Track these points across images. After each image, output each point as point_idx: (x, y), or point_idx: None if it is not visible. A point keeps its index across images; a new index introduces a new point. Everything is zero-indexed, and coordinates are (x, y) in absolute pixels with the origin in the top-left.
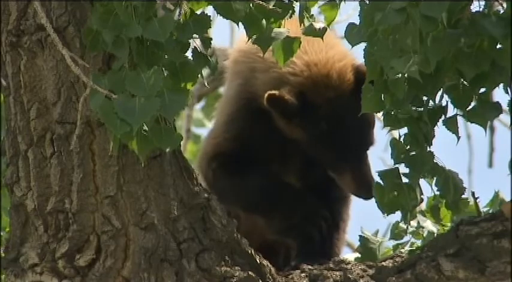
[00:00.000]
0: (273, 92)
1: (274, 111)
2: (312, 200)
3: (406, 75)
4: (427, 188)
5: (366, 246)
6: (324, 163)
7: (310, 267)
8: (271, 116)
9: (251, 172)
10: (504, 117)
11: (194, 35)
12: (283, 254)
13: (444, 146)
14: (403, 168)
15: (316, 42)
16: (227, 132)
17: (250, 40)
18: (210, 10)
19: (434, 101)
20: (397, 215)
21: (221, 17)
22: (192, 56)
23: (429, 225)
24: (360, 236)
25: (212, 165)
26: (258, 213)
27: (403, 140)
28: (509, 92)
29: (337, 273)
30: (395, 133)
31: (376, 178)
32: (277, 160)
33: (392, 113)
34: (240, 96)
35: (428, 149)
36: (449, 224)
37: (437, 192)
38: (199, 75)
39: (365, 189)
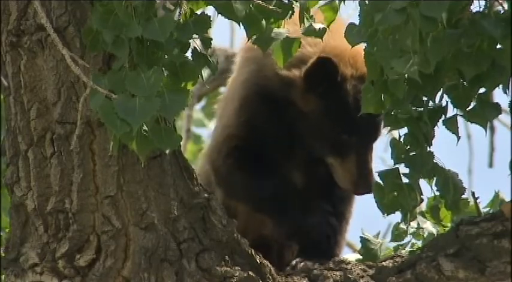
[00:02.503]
0: (326, 55)
1: (309, 77)
2: (322, 208)
3: (406, 75)
4: (427, 188)
5: (367, 248)
6: (326, 144)
7: (310, 267)
8: (284, 98)
9: (266, 173)
10: (504, 117)
11: (194, 35)
12: (277, 250)
13: (444, 146)
14: (403, 169)
15: (335, 31)
16: (240, 117)
17: (250, 40)
18: (210, 10)
19: (434, 101)
20: (397, 216)
21: (221, 17)
22: (192, 56)
23: (429, 225)
24: (361, 237)
25: (227, 162)
26: (268, 215)
27: (403, 140)
28: (509, 92)
29: (337, 273)
30: (396, 133)
31: (376, 178)
32: (284, 154)
33: (392, 113)
34: (252, 81)
35: (428, 149)
36: (449, 224)
37: (437, 193)
38: (199, 75)
39: (364, 182)
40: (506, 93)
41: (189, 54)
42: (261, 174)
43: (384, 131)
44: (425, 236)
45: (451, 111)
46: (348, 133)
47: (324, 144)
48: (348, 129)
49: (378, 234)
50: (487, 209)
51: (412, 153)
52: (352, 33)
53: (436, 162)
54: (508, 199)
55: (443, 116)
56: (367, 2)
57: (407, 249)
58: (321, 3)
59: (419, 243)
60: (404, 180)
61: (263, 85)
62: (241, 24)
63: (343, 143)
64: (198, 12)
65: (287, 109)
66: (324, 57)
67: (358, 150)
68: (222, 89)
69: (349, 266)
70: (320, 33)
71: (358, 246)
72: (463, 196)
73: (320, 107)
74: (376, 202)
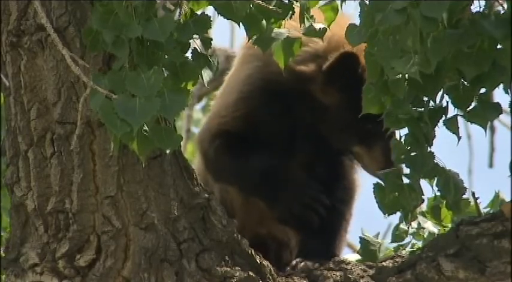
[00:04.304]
0: (349, 50)
1: (332, 71)
2: (311, 185)
3: (406, 75)
4: (428, 189)
5: (366, 248)
6: (351, 135)
7: (310, 267)
8: (297, 91)
9: (254, 153)
10: (504, 117)
11: (194, 35)
12: (275, 249)
13: (444, 146)
14: (403, 169)
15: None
16: (237, 111)
17: (250, 40)
18: (210, 10)
19: (434, 101)
20: (398, 217)
21: (221, 17)
22: (192, 56)
23: (430, 226)
24: (361, 237)
25: (215, 142)
26: (256, 196)
27: (404, 140)
28: (510, 92)
29: (338, 273)
30: (396, 133)
31: (377, 179)
32: (284, 152)
33: (393, 113)
34: (256, 76)
35: (428, 150)
36: (449, 225)
37: (438, 193)
38: (199, 76)
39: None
40: (507, 93)
41: (189, 54)
42: (249, 155)
43: None
44: (425, 236)
45: (452, 111)
46: (372, 123)
47: (348, 134)
48: (372, 119)
49: (378, 234)
50: (487, 209)
51: (412, 154)
52: (353, 34)
53: (436, 163)
54: (508, 199)
55: (443, 116)
56: (367, 2)
57: (408, 249)
58: (321, 3)
59: (420, 244)
60: (405, 180)
61: (269, 80)
62: (241, 24)
63: (368, 132)
64: (198, 12)
65: (300, 102)
66: (348, 52)
67: (383, 138)
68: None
69: (349, 266)
70: (320, 33)
71: (358, 246)
72: (464, 196)
73: (342, 100)
74: (377, 202)
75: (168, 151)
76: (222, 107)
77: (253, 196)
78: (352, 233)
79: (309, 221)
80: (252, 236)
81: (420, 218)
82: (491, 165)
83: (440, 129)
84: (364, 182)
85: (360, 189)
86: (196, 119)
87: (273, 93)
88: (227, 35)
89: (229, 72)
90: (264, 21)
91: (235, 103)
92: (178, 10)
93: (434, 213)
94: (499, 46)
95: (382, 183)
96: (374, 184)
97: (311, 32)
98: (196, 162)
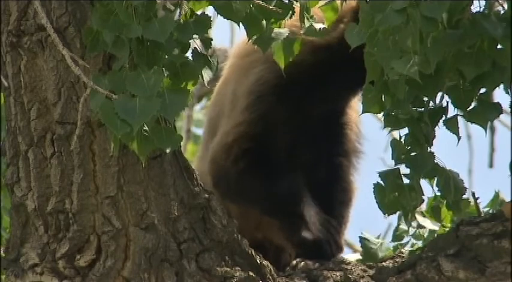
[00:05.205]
0: None
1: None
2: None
3: (406, 75)
4: (428, 189)
5: (366, 248)
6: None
7: (310, 267)
8: (329, 66)
9: (279, 176)
10: (504, 117)
11: (194, 36)
12: (273, 253)
13: (445, 146)
14: (403, 169)
15: None
16: (252, 113)
17: (250, 40)
18: (210, 10)
19: (434, 101)
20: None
21: (221, 17)
22: (192, 57)
23: (430, 226)
24: (361, 237)
25: (239, 165)
26: (278, 221)
27: (404, 140)
28: (510, 92)
29: (338, 273)
30: (396, 133)
31: (377, 179)
32: (290, 156)
33: (393, 113)
34: (268, 76)
35: (428, 150)
36: (449, 225)
37: (438, 193)
38: (199, 76)
39: None
40: (507, 93)
41: (189, 54)
42: (275, 181)
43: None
44: (425, 236)
45: (452, 111)
46: None
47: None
48: None
49: (378, 236)
50: (487, 209)
51: (412, 154)
52: (353, 34)
53: (436, 163)
54: (508, 199)
55: (443, 117)
56: (367, 2)
57: (408, 249)
58: (321, 3)
59: (420, 244)
60: (405, 180)
61: (288, 72)
62: (241, 24)
63: None
64: (198, 12)
65: (322, 82)
66: None
67: None
68: None
69: (349, 266)
70: (320, 33)
71: (358, 246)
72: (464, 196)
73: None
74: (377, 202)
75: (168, 151)
76: (234, 115)
77: (273, 219)
78: (352, 233)
79: (323, 250)
80: (250, 241)
81: (420, 218)
82: (491, 165)
83: (440, 129)
84: (364, 182)
85: (357, 191)
86: (196, 120)
87: (289, 87)
88: (227, 35)
89: (220, 85)
90: (264, 21)
91: (247, 108)
92: (178, 10)
93: (434, 213)
94: (499, 46)
95: (382, 183)
96: (374, 184)
97: (311, 32)
98: (195, 163)
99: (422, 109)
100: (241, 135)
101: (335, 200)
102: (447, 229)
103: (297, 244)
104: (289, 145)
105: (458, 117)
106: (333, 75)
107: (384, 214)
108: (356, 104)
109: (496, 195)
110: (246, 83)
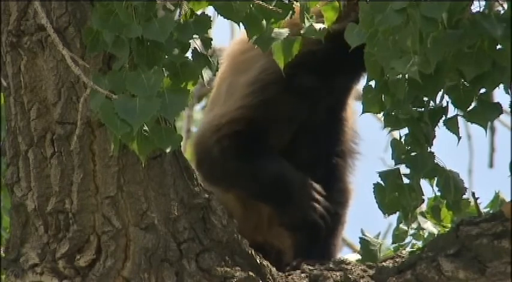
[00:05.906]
0: None
1: None
2: (319, 191)
3: (406, 75)
4: (428, 189)
5: (366, 248)
6: None
7: (310, 267)
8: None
9: (265, 157)
10: (505, 117)
11: (194, 36)
12: (274, 256)
13: (445, 147)
14: (403, 169)
15: None
16: (255, 98)
17: (250, 40)
18: (210, 10)
19: (434, 101)
20: (398, 217)
21: (221, 17)
22: (192, 57)
23: (430, 226)
24: (361, 238)
25: (223, 143)
26: (266, 202)
27: (404, 140)
28: (510, 92)
29: (338, 273)
30: (396, 133)
31: (377, 179)
32: (287, 151)
33: (393, 113)
34: (277, 67)
35: (429, 150)
36: (449, 225)
37: (438, 193)
38: (199, 76)
39: None
40: (507, 93)
41: (189, 54)
42: (261, 161)
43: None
44: (425, 236)
45: (452, 111)
46: None
47: None
48: None
49: (378, 235)
50: (487, 209)
51: (412, 154)
52: (352, 34)
53: (436, 163)
54: (508, 199)
55: (443, 117)
56: (367, 2)
57: (408, 249)
58: (321, 2)
59: (420, 244)
60: (405, 180)
61: (300, 63)
62: (241, 24)
63: None
64: (198, 12)
65: (334, 68)
66: None
67: None
68: None
69: (349, 267)
70: (320, 33)
71: (358, 246)
72: (464, 196)
73: None
74: (377, 203)
75: (168, 151)
76: (229, 102)
77: (261, 202)
78: (352, 233)
79: (319, 228)
80: (251, 243)
81: (420, 219)
82: (491, 165)
83: (440, 129)
84: (364, 182)
85: (354, 192)
86: (196, 120)
87: (298, 77)
88: (227, 35)
89: (219, 81)
90: (264, 21)
91: (254, 92)
92: (178, 10)
93: (434, 213)
94: (499, 46)
95: (382, 183)
96: (374, 184)
97: (311, 31)
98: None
99: (422, 109)
100: (237, 118)
101: (332, 201)
102: (447, 229)
103: (290, 226)
104: (287, 142)
105: (458, 117)
106: (345, 63)
107: (384, 214)
108: (353, 102)
109: (496, 195)
110: (248, 75)
